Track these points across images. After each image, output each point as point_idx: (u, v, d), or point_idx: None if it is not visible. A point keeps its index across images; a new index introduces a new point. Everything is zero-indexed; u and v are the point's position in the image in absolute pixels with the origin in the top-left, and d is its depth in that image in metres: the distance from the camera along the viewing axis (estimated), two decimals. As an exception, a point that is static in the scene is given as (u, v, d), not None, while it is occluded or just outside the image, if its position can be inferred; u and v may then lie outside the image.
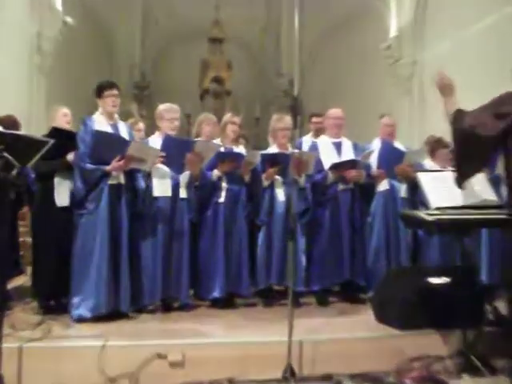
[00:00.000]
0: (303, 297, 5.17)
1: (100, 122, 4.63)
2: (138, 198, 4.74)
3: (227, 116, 5.36)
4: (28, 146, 3.87)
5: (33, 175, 5.00)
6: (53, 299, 4.73)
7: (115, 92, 4.70)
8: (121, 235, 4.55)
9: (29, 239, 6.13)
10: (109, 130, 4.64)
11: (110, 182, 4.55)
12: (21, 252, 5.94)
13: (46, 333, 3.95)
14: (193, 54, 11.52)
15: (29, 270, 5.94)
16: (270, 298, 5.19)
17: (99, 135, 4.49)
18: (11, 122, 5.27)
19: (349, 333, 4.19)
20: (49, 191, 4.71)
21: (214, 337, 4.15)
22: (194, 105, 10.35)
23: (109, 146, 4.48)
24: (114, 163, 4.50)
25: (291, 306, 3.60)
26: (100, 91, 4.69)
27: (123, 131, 4.76)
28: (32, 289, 4.85)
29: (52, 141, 3.93)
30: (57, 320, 4.34)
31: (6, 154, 3.47)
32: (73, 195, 4.61)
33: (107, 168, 4.52)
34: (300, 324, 3.78)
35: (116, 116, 4.80)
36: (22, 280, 5.60)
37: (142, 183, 4.75)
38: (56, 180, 4.72)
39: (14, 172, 4.32)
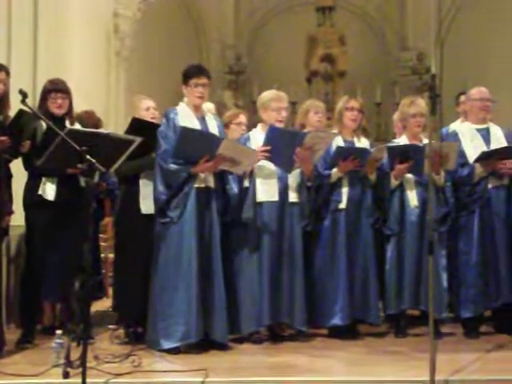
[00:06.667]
0: (445, 325, 5.09)
1: (185, 115, 4.72)
2: (229, 204, 4.81)
3: (344, 100, 5.27)
4: (113, 146, 4.04)
5: (114, 178, 5.18)
6: (140, 326, 4.87)
7: (204, 81, 4.74)
8: (212, 248, 4.65)
9: (111, 255, 6.42)
10: (196, 124, 4.72)
11: (196, 185, 4.64)
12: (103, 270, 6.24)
13: (136, 366, 4.08)
14: (297, 29, 11.54)
15: (111, 291, 6.22)
16: (402, 325, 5.13)
17: (186, 132, 4.56)
18: (91, 119, 5.53)
19: (508, 373, 4.01)
20: (133, 197, 4.87)
21: (333, 374, 4.13)
22: (299, 90, 10.37)
23: (197, 144, 4.55)
24: (202, 164, 4.58)
25: (432, 336, 3.53)
26: (186, 78, 4.76)
27: (212, 126, 4.82)
28: (116, 314, 5.03)
29: (140, 139, 4.09)
30: (146, 350, 4.50)
31: (89, 158, 3.63)
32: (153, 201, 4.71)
33: (193, 169, 4.60)
34: (443, 360, 3.70)
35: (204, 108, 4.89)
36: (105, 304, 5.85)
37: (234, 187, 4.81)
38: (141, 182, 4.87)
39: (96, 177, 4.55)
